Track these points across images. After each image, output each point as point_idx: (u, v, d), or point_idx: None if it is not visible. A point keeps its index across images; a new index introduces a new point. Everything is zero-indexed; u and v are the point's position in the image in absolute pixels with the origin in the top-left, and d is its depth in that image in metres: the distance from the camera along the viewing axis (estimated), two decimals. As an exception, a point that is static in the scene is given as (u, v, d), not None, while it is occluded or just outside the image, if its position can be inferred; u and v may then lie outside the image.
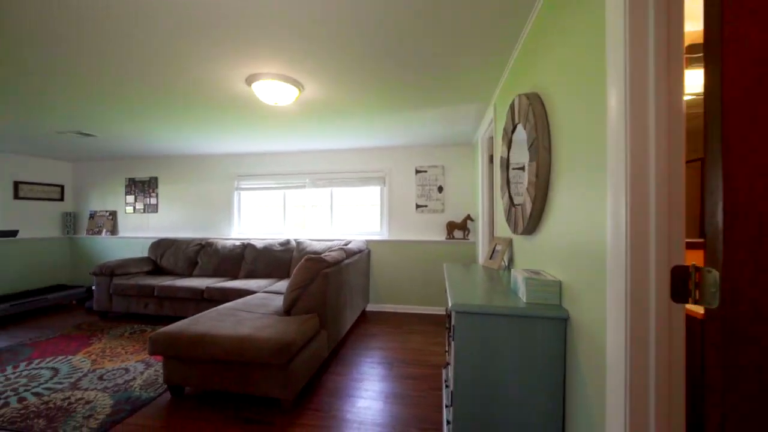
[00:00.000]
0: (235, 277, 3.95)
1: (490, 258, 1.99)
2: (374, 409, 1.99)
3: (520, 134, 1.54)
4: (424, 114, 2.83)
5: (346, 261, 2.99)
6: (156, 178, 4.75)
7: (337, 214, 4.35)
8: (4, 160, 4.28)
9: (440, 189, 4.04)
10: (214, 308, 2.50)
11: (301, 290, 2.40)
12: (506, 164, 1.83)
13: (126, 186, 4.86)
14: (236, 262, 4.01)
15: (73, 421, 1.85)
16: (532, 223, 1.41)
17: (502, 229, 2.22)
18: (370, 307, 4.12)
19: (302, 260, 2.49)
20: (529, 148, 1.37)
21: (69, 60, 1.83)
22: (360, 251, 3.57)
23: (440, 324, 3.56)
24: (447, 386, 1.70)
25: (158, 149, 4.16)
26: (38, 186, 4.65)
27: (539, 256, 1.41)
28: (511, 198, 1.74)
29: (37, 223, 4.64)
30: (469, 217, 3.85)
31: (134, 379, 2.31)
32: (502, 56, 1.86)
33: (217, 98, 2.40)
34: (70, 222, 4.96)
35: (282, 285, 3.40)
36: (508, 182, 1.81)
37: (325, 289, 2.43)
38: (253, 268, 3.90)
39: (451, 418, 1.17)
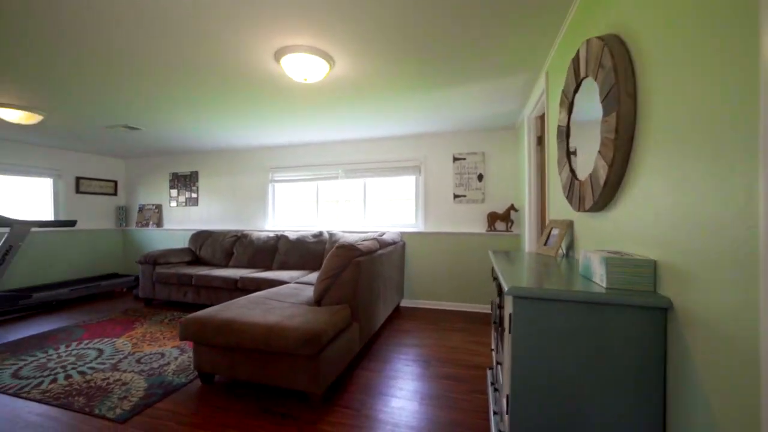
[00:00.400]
0: (268, 268, 3.95)
1: (545, 244, 1.72)
2: (409, 410, 1.80)
3: (588, 91, 1.27)
4: (463, 90, 2.58)
5: (380, 251, 2.82)
6: (196, 173, 4.92)
7: (371, 206, 4.21)
8: (67, 157, 4.64)
9: (480, 177, 3.75)
10: (245, 296, 2.44)
11: (332, 279, 2.27)
12: (566, 133, 1.55)
13: (170, 180, 5.08)
14: (270, 254, 4.00)
15: (109, 401, 1.86)
16: (607, 194, 1.14)
17: (557, 214, 1.93)
18: (404, 303, 3.93)
19: (333, 248, 2.36)
20: (602, 101, 1.11)
21: (100, 49, 1.84)
22: (394, 243, 3.40)
23: (480, 322, 3.28)
24: (496, 390, 1.47)
25: (198, 144, 4.28)
26: (95, 181, 5.00)
27: (614, 235, 1.14)
28: (572, 171, 1.47)
29: (95, 215, 4.99)
30: (512, 208, 3.53)
31: (168, 363, 2.32)
32: (558, 8, 1.59)
33: (247, 78, 2.34)
34: (122, 215, 5.29)
35: (314, 276, 3.32)
36: (568, 153, 1.54)
37: (357, 279, 2.27)
38: (286, 260, 3.87)
39: (506, 429, 0.95)
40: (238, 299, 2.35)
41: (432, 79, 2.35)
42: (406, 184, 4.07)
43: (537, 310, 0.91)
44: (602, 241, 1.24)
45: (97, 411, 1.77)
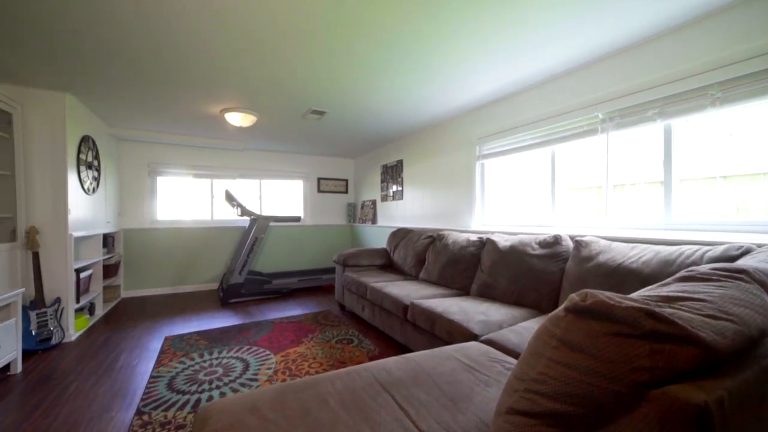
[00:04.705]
0: (464, 291, 2.51)
1: None
2: None
3: None
4: None
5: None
6: (401, 161, 4.25)
7: (683, 181, 1.82)
8: (311, 161, 5.29)
9: None
10: (345, 371, 1.17)
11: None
12: None
13: (381, 174, 4.74)
14: (469, 268, 2.55)
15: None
16: None
17: None
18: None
19: (569, 302, 0.62)
20: None
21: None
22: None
23: None
24: None
25: (398, 123, 3.52)
26: (331, 181, 5.49)
27: None
28: None
29: (331, 212, 5.48)
30: None
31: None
32: None
33: None
34: (351, 211, 5.56)
35: (530, 327, 1.56)
36: None
37: None
38: (489, 282, 2.29)
39: None
40: (325, 377, 1.12)
41: None
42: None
43: None
44: None
45: None
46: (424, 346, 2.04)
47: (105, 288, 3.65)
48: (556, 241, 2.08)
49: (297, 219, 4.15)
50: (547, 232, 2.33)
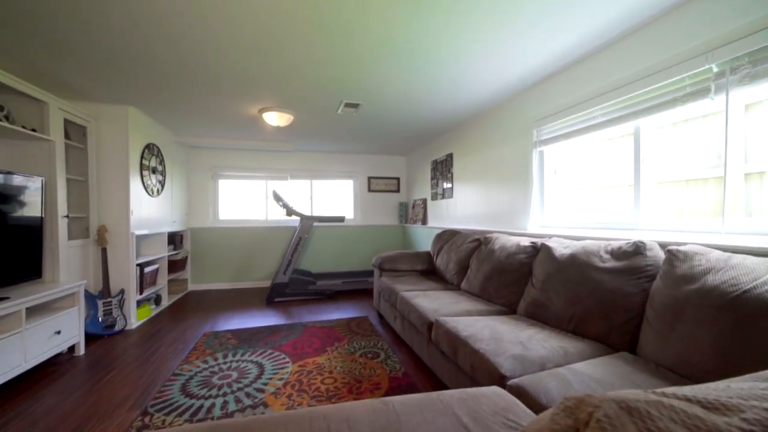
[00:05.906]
0: (510, 309, 2.02)
1: None
2: None
3: None
4: None
5: None
6: (451, 155, 3.82)
7: None
8: (361, 160, 5.17)
9: None
10: (298, 415, 0.91)
11: None
12: None
13: (431, 170, 4.36)
14: (517, 280, 2.06)
15: None
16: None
17: None
18: None
19: None
20: None
21: None
22: None
23: None
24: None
25: (441, 111, 3.15)
26: (382, 180, 5.29)
27: None
28: None
29: (382, 212, 5.28)
30: None
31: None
32: None
33: None
34: (402, 211, 5.29)
35: (592, 371, 1.09)
36: None
37: None
38: (541, 300, 1.78)
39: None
40: (266, 422, 0.87)
41: None
42: None
43: None
44: None
45: None
46: (449, 376, 1.67)
47: (172, 281, 4.03)
48: (637, 250, 1.50)
49: (341, 219, 4.05)
50: (626, 237, 1.73)
